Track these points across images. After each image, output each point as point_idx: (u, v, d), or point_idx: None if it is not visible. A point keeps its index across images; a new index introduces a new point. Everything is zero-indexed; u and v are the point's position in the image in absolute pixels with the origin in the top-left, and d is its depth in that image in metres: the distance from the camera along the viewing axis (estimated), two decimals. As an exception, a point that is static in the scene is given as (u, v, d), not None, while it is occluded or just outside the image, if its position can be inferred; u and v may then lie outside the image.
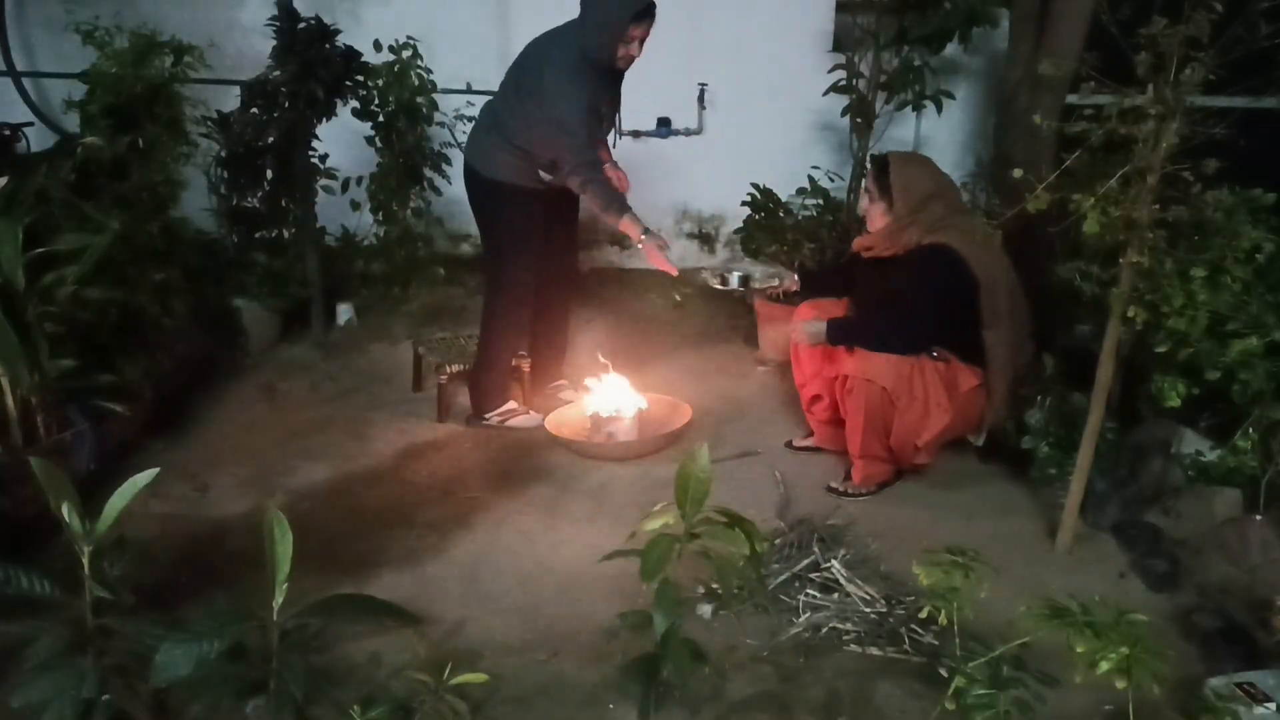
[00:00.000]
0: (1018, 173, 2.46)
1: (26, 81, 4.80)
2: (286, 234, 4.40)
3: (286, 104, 3.91)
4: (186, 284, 3.81)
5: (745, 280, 3.76)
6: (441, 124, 4.59)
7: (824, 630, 2.40)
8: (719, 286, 3.96)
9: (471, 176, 3.50)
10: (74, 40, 3.98)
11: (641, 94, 5.09)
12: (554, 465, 3.35)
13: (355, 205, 4.57)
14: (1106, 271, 2.49)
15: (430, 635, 2.38)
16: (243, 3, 4.79)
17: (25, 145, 3.89)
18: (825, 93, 4.57)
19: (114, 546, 2.06)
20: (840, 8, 4.96)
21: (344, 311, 4.52)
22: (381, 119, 4.35)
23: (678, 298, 4.96)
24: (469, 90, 4.83)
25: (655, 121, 5.18)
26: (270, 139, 4.10)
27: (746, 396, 3.92)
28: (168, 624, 1.97)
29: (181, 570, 2.63)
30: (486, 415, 3.59)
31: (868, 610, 2.45)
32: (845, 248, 3.38)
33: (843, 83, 4.48)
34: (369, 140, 4.42)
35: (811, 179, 4.61)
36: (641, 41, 3.26)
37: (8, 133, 3.79)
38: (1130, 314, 2.42)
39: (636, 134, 5.17)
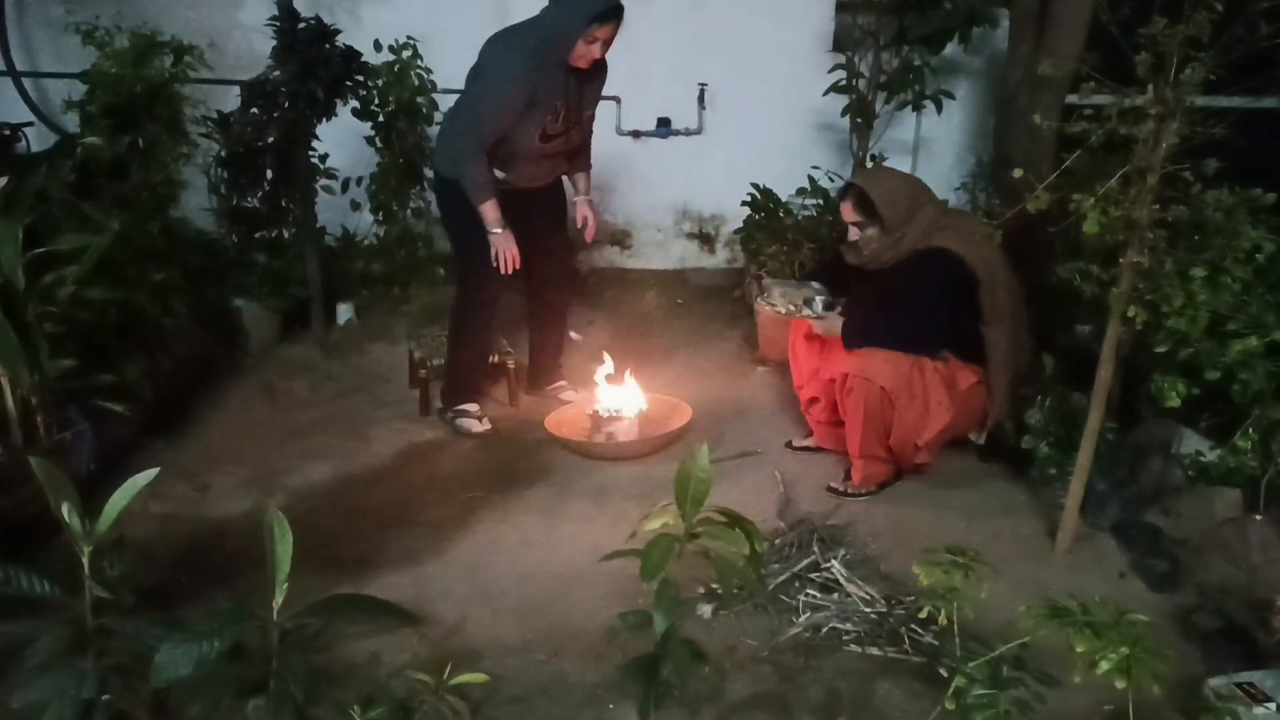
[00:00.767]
0: (1018, 173, 2.46)
1: (26, 81, 4.79)
2: (286, 234, 4.40)
3: (286, 104, 3.91)
4: (186, 284, 3.80)
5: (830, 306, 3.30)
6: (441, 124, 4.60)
7: (824, 630, 2.40)
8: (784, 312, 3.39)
9: (435, 177, 3.52)
10: (74, 40, 3.98)
11: (641, 94, 5.11)
12: (554, 465, 3.35)
13: (355, 205, 4.57)
14: (1106, 271, 2.48)
15: (430, 635, 2.38)
16: (243, 3, 4.79)
17: (25, 145, 3.88)
18: (825, 93, 4.57)
19: (114, 546, 2.07)
20: (840, 8, 4.96)
21: (344, 311, 4.52)
22: (381, 119, 4.35)
23: (679, 300, 4.97)
24: (469, 90, 4.83)
25: (655, 121, 5.18)
26: (270, 139, 4.09)
27: (746, 396, 3.92)
28: (168, 624, 1.98)
29: (181, 570, 2.63)
30: (446, 412, 3.62)
31: (868, 610, 2.45)
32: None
33: (843, 83, 4.48)
34: (369, 140, 4.42)
35: (811, 179, 4.61)
36: (605, 43, 3.19)
37: (8, 133, 3.78)
38: (1130, 314, 2.42)
39: (636, 134, 5.18)
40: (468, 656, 2.28)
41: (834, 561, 2.60)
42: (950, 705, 1.85)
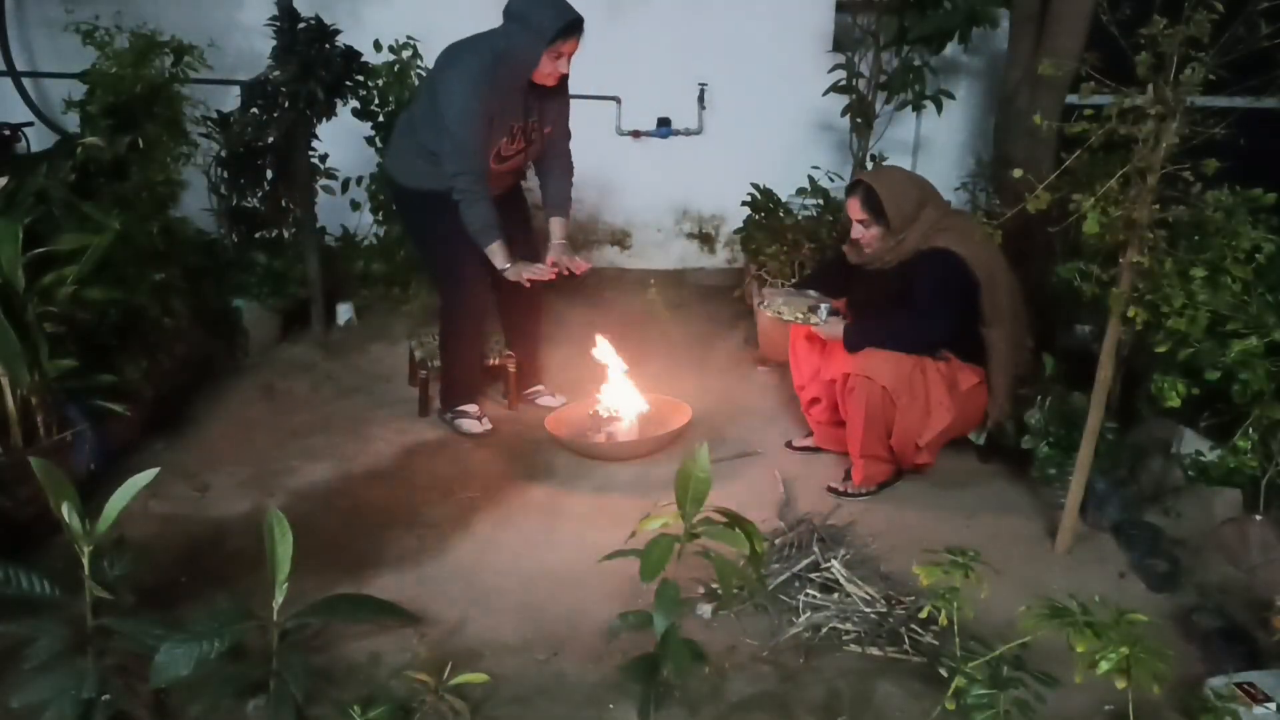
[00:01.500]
0: (1018, 173, 2.46)
1: (26, 81, 4.79)
2: (286, 234, 4.40)
3: (286, 104, 3.91)
4: (186, 284, 3.80)
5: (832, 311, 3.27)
6: (441, 124, 4.60)
7: (824, 630, 2.40)
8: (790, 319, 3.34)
9: (390, 186, 3.44)
10: (74, 40, 3.98)
11: (641, 94, 5.12)
12: (554, 465, 3.35)
13: (355, 205, 4.58)
14: (1106, 271, 2.48)
15: (430, 635, 2.38)
16: (243, 3, 4.79)
17: (25, 145, 3.89)
18: (825, 93, 4.57)
19: (114, 546, 2.07)
20: (840, 8, 4.96)
21: (344, 311, 4.52)
22: (381, 119, 4.35)
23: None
24: (469, 90, 4.83)
25: (655, 121, 5.18)
26: (270, 139, 4.10)
27: (746, 396, 3.92)
28: (168, 624, 1.98)
29: (181, 570, 2.63)
30: (445, 413, 3.61)
31: (868, 610, 2.45)
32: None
33: (843, 83, 4.48)
34: (369, 140, 4.42)
35: (811, 179, 4.61)
36: (570, 58, 3.16)
37: (8, 133, 3.78)
38: (1130, 314, 2.42)
39: (636, 134, 5.18)
40: (468, 656, 2.28)
41: (834, 561, 2.60)
42: (950, 705, 1.85)
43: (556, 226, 3.49)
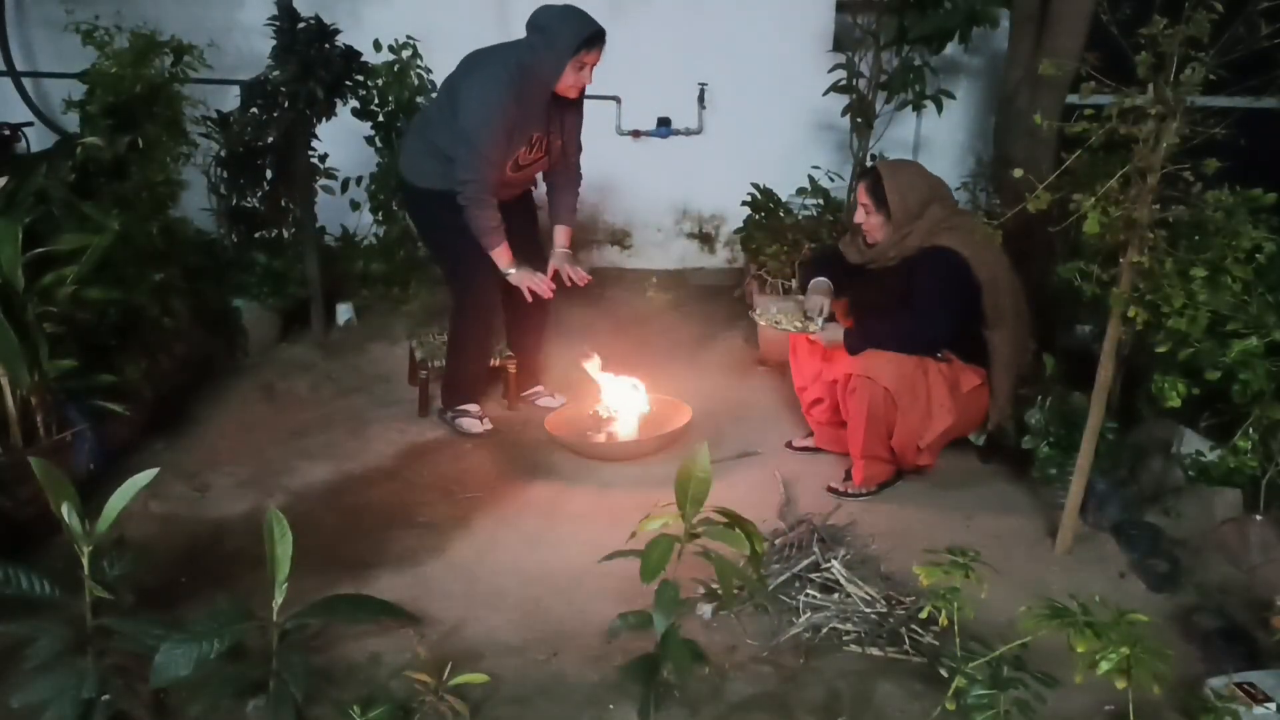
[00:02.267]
0: (1018, 173, 2.46)
1: (26, 81, 4.80)
2: (286, 234, 4.40)
3: (286, 104, 3.91)
4: (186, 284, 3.81)
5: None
6: (441, 124, 4.60)
7: (824, 630, 2.40)
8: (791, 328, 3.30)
9: (403, 187, 3.48)
10: (74, 40, 3.98)
11: (641, 94, 5.11)
12: (554, 465, 3.35)
13: (355, 205, 4.57)
14: (1106, 271, 2.48)
15: (430, 635, 2.38)
16: (243, 3, 4.79)
17: (25, 145, 3.89)
18: (825, 93, 4.57)
19: (114, 546, 2.07)
20: (840, 8, 4.96)
21: (344, 311, 4.52)
22: (381, 119, 4.36)
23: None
24: (469, 90, 4.83)
25: (655, 121, 5.18)
26: (270, 139, 4.10)
27: (746, 396, 3.92)
28: (168, 624, 1.98)
29: (181, 570, 2.63)
30: (446, 412, 3.62)
31: (868, 610, 2.45)
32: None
33: (843, 83, 4.48)
34: (369, 140, 4.43)
35: (811, 179, 4.61)
36: (593, 68, 3.20)
37: (8, 133, 3.78)
38: (1130, 314, 2.42)
39: (636, 134, 5.18)
40: (468, 656, 2.28)
41: (834, 561, 2.60)
42: (950, 705, 1.85)
43: (560, 235, 3.52)
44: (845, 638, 2.38)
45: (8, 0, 4.78)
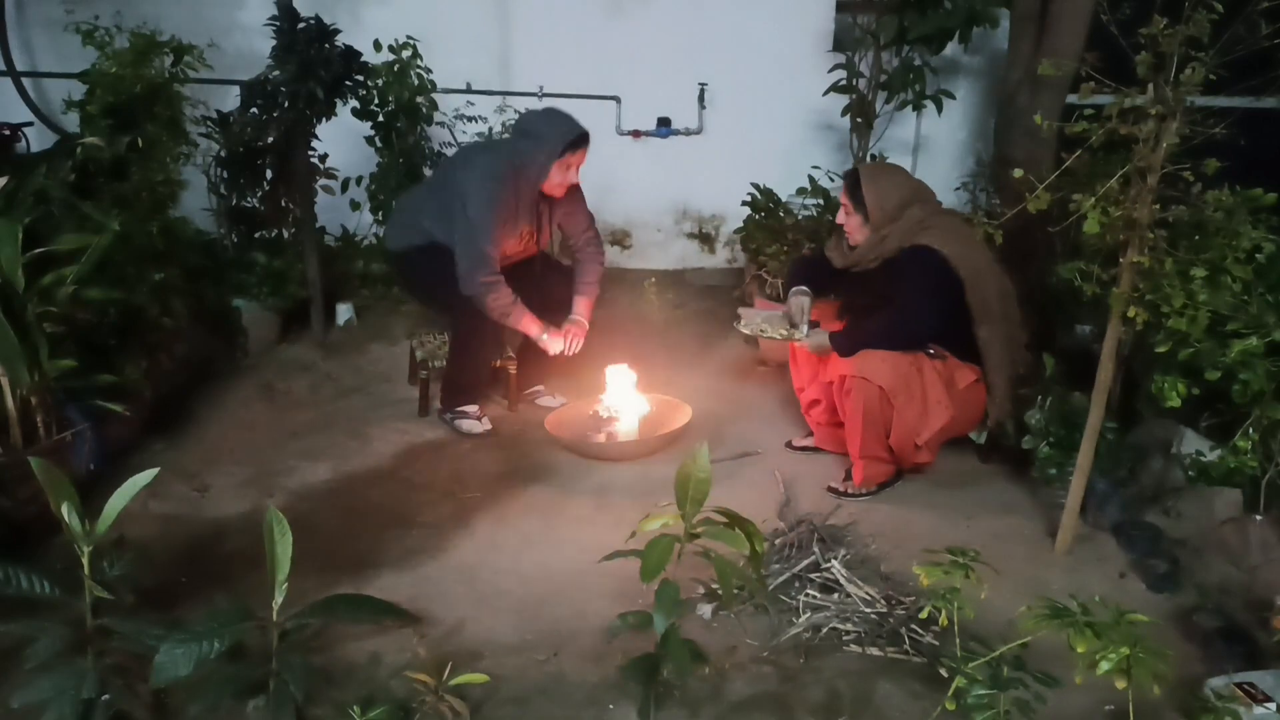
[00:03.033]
0: (1018, 173, 2.46)
1: (26, 81, 4.80)
2: (286, 234, 4.40)
3: (286, 104, 3.91)
4: (186, 284, 3.81)
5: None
6: (441, 124, 4.60)
7: (824, 630, 2.40)
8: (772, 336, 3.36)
9: (391, 259, 3.66)
10: (74, 40, 3.98)
11: (641, 94, 5.12)
12: (554, 465, 3.35)
13: (355, 205, 4.58)
14: (1106, 271, 2.48)
15: (430, 635, 2.38)
16: (243, 3, 4.79)
17: (25, 145, 3.89)
18: (825, 93, 4.57)
19: (114, 546, 2.07)
20: (840, 8, 4.96)
21: (344, 311, 4.52)
22: (381, 119, 4.36)
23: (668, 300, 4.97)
24: (469, 90, 4.84)
25: (655, 121, 5.18)
26: (270, 139, 4.10)
27: (746, 396, 3.92)
28: (168, 624, 1.98)
29: (181, 570, 2.63)
30: (446, 412, 3.63)
31: (868, 610, 2.45)
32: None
33: (843, 83, 4.49)
34: (369, 140, 4.43)
35: (811, 179, 4.61)
36: (577, 169, 3.38)
37: (8, 133, 3.78)
38: (1130, 314, 2.42)
39: (636, 134, 5.18)
40: (468, 656, 2.28)
41: (834, 561, 2.60)
42: (950, 705, 1.85)
43: (579, 305, 3.60)
44: (845, 638, 2.38)
45: (8, 0, 4.78)
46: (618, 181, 5.25)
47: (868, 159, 4.63)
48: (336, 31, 3.90)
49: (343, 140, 4.31)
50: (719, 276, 5.30)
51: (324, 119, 4.02)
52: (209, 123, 4.12)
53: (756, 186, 4.61)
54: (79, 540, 1.93)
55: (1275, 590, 2.45)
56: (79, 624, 1.96)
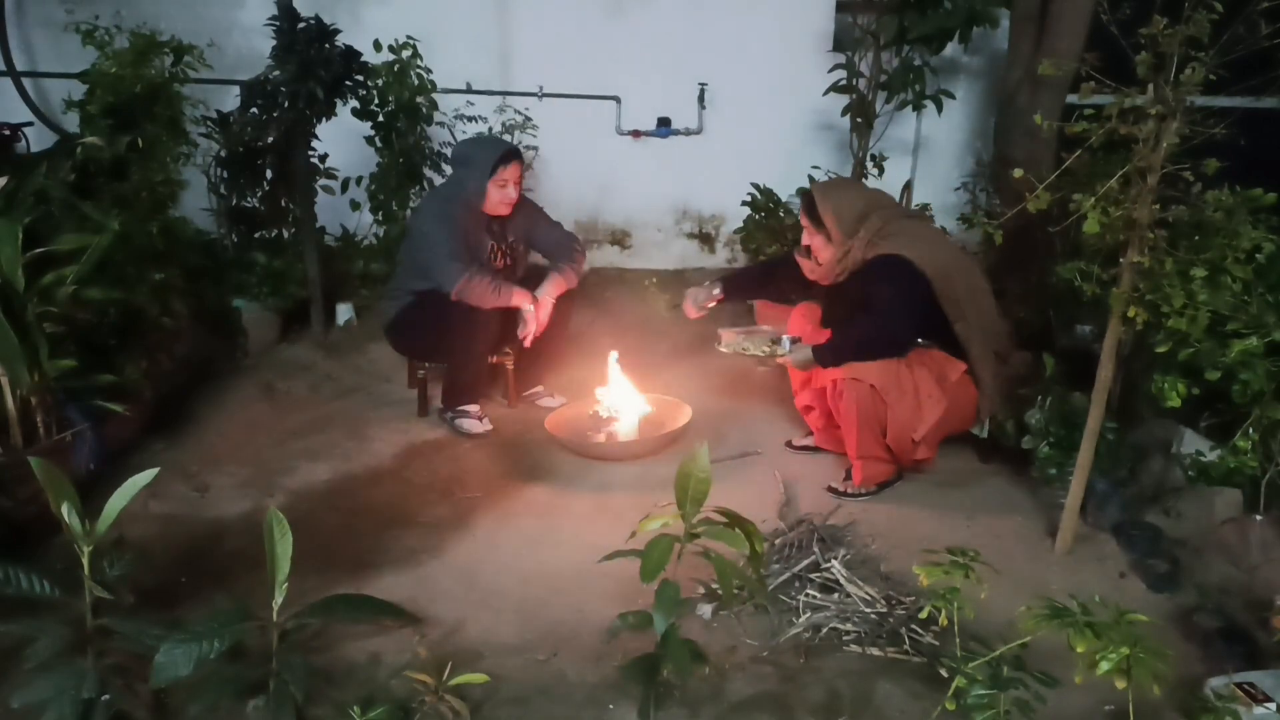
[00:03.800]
0: (1018, 173, 2.46)
1: (26, 81, 4.79)
2: (286, 234, 4.40)
3: (286, 104, 3.91)
4: (186, 284, 3.81)
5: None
6: (441, 124, 4.60)
7: (824, 630, 2.40)
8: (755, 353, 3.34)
9: (387, 334, 3.75)
10: (74, 40, 3.98)
11: (641, 94, 5.12)
12: (554, 465, 3.35)
13: (355, 205, 4.58)
14: (1106, 271, 2.48)
15: (430, 635, 2.38)
16: (243, 3, 4.79)
17: (25, 145, 3.89)
18: (825, 93, 4.57)
19: (114, 546, 2.07)
20: (840, 8, 4.96)
21: (344, 311, 4.52)
22: (381, 119, 4.36)
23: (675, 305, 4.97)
24: (469, 90, 4.84)
25: (655, 121, 5.18)
26: (270, 139, 4.10)
27: (746, 396, 3.92)
28: (168, 624, 1.98)
29: (181, 570, 2.63)
30: (446, 412, 3.64)
31: (868, 610, 2.45)
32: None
33: (843, 83, 4.49)
34: (369, 140, 4.43)
35: (811, 179, 4.61)
36: (516, 184, 3.47)
37: (8, 133, 3.78)
38: (1130, 314, 2.42)
39: (636, 134, 5.18)
40: (468, 656, 2.28)
41: (834, 561, 2.60)
42: (950, 705, 1.85)
43: (546, 284, 3.54)
44: (845, 638, 2.38)
45: (8, 0, 4.78)
46: (618, 181, 5.26)
47: (868, 159, 4.63)
48: (336, 31, 3.90)
49: (343, 140, 4.31)
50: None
51: (324, 119, 4.03)
52: (209, 123, 4.12)
53: (756, 186, 4.61)
54: (79, 540, 1.93)
55: (1275, 590, 2.45)
56: (79, 624, 1.97)
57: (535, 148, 4.83)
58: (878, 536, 2.84)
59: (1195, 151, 2.28)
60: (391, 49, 4.33)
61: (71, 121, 4.01)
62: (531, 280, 3.59)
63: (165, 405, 3.51)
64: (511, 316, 3.56)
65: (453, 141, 4.56)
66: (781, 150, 5.04)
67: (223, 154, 4.14)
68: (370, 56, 4.16)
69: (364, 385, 3.99)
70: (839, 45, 4.88)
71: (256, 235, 4.35)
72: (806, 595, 2.52)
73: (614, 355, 3.59)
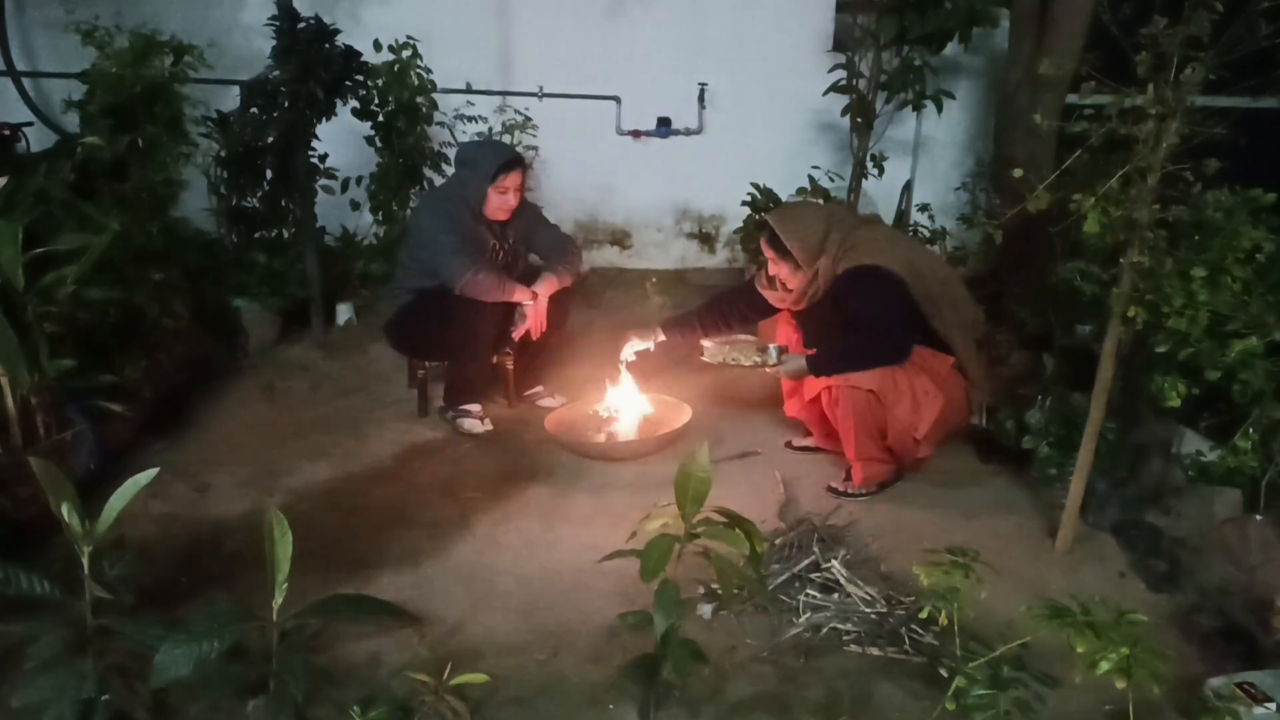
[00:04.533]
0: (1018, 173, 2.46)
1: (26, 81, 4.80)
2: (286, 234, 4.40)
3: (286, 104, 3.91)
4: (186, 284, 3.81)
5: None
6: (441, 124, 4.61)
7: (824, 630, 2.40)
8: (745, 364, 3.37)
9: (387, 335, 3.74)
10: (74, 40, 3.98)
11: (641, 94, 5.12)
12: (554, 465, 3.35)
13: (355, 205, 4.58)
14: (1106, 271, 2.49)
15: (430, 635, 2.38)
16: (243, 3, 4.80)
17: (25, 145, 3.89)
18: (825, 93, 4.57)
19: (114, 546, 2.06)
20: (840, 8, 4.96)
21: (344, 311, 4.52)
22: (381, 119, 4.36)
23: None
24: (469, 90, 4.84)
25: (655, 121, 5.18)
26: (270, 139, 4.10)
27: (746, 396, 3.92)
28: (168, 624, 1.97)
29: (181, 570, 2.63)
30: (448, 411, 3.64)
31: (868, 610, 2.45)
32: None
33: (843, 83, 4.49)
34: (369, 140, 4.43)
35: (811, 179, 4.62)
36: (517, 191, 3.48)
37: (8, 133, 3.78)
38: (1130, 314, 2.42)
39: (636, 134, 5.18)
40: (468, 656, 2.28)
41: (834, 561, 2.60)
42: (950, 705, 1.85)
43: (541, 281, 3.53)
44: (845, 638, 2.38)
45: (8, 0, 4.78)
46: (618, 181, 5.26)
47: (868, 159, 4.63)
48: (336, 31, 3.90)
49: (343, 140, 4.31)
50: (719, 277, 5.30)
51: (324, 119, 4.03)
52: (209, 123, 4.12)
53: (756, 186, 4.61)
54: (79, 540, 1.92)
55: (1275, 590, 2.44)
56: (79, 624, 1.96)
57: (535, 148, 4.84)
58: (878, 536, 2.84)
59: (1195, 151, 2.28)
60: (391, 49, 4.33)
61: (71, 121, 4.01)
62: (529, 280, 3.59)
63: (165, 405, 3.51)
64: (511, 316, 3.57)
65: (453, 142, 4.56)
66: (781, 150, 5.04)
67: (223, 154, 4.14)
68: (370, 56, 4.16)
69: (364, 385, 3.99)
70: (839, 45, 4.89)
71: (256, 235, 4.34)
72: (806, 595, 2.52)
73: (630, 351, 3.55)
